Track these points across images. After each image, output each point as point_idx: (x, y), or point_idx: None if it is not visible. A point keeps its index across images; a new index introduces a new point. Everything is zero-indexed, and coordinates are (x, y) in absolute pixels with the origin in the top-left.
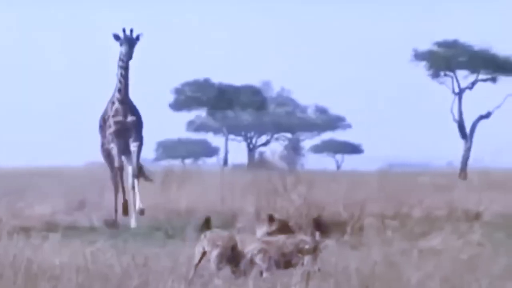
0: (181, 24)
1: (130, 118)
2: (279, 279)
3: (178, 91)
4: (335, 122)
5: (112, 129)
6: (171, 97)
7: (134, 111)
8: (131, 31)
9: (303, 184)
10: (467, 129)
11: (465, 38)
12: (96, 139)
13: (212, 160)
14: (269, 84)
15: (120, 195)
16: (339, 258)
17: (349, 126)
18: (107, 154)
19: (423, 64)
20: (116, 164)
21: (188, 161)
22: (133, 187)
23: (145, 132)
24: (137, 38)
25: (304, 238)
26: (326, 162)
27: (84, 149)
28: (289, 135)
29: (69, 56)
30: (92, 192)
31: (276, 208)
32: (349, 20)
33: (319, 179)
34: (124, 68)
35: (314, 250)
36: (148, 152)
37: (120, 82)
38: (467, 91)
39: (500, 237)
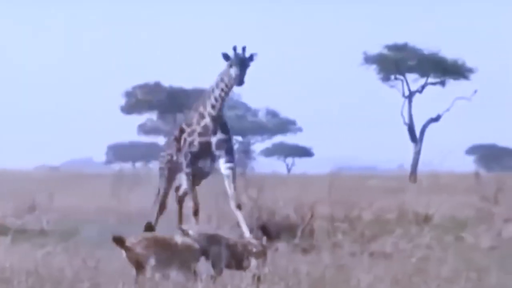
0: (131, 27)
1: (220, 136)
2: (229, 281)
3: (129, 94)
4: (286, 126)
5: (195, 149)
6: (122, 100)
7: (225, 128)
8: (243, 49)
9: (253, 187)
10: (417, 132)
11: (415, 41)
12: (45, 142)
13: None
14: None
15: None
16: (289, 261)
17: (299, 129)
18: (169, 168)
19: (373, 67)
20: (181, 192)
21: (139, 164)
22: (238, 220)
23: (95, 135)
24: (251, 58)
25: (251, 241)
26: (276, 165)
27: (34, 152)
28: (239, 138)
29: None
30: (42, 195)
31: (227, 211)
32: (299, 23)
33: (269, 182)
34: (226, 92)
35: (263, 254)
36: (99, 155)
37: (216, 100)
38: (417, 94)
39: (449, 239)
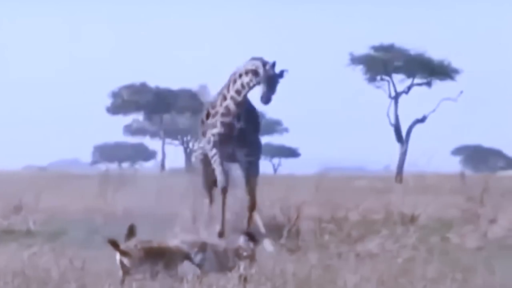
0: (118, 27)
1: (242, 125)
2: (215, 282)
3: (115, 94)
4: (272, 126)
5: (217, 129)
6: (108, 101)
7: (250, 115)
8: (273, 65)
9: (240, 188)
10: (403, 133)
11: (401, 42)
12: (33, 143)
13: (149, 164)
14: (206, 88)
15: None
16: (276, 262)
17: (286, 130)
18: (204, 157)
19: (359, 68)
20: (220, 183)
21: (125, 164)
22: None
23: (82, 135)
24: (281, 74)
25: (242, 245)
26: (263, 165)
27: (21, 152)
28: None
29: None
30: (28, 196)
31: (213, 212)
32: (284, 24)
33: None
34: (254, 84)
35: (252, 257)
36: (86, 156)
37: (242, 86)
38: (403, 95)
39: (435, 240)
